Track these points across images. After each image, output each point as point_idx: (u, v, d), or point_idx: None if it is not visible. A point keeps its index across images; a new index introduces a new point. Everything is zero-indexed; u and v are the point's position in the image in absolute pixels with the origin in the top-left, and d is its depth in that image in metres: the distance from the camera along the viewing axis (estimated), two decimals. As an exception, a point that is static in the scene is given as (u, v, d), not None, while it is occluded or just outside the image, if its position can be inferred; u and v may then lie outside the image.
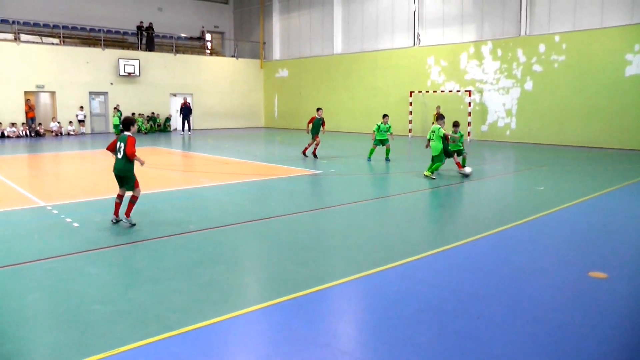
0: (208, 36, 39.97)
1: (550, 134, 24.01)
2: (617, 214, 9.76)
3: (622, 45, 21.70)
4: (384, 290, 5.66)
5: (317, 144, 18.03)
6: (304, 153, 18.45)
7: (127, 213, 8.43)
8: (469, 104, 26.62)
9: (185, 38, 37.87)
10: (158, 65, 33.50)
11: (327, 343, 4.40)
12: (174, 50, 35.06)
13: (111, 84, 31.61)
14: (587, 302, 5.39)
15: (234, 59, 37.77)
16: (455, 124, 14.56)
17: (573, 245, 7.65)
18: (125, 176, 8.48)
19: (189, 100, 33.45)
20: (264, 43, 38.72)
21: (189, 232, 7.98)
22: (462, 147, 14.47)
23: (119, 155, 8.41)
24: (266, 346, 4.44)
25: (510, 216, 9.34)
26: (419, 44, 29.24)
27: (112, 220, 8.59)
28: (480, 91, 26.55)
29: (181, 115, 31.61)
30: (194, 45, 38.48)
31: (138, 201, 8.61)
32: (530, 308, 5.20)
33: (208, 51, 39.31)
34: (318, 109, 18.34)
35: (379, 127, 17.40)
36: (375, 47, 31.66)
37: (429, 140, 13.70)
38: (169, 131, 33.44)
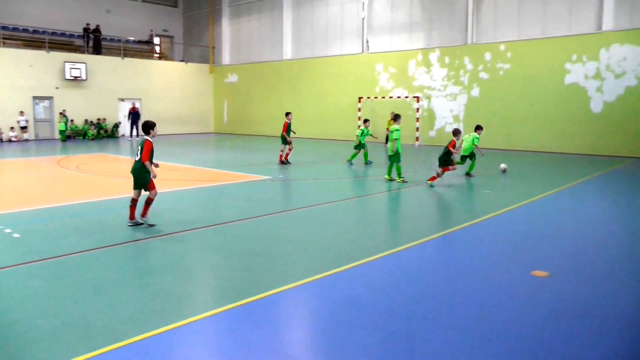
0: (157, 40, 39.27)
1: (497, 139, 24.72)
2: (559, 215, 10.14)
3: (562, 54, 22.67)
4: (331, 295, 5.73)
5: (290, 149, 18.20)
6: (284, 160, 18.01)
7: (143, 214, 8.79)
8: (417, 109, 27.16)
9: (134, 42, 37.08)
10: (106, 69, 32.63)
11: (275, 348, 4.43)
12: (122, 54, 34.23)
13: (57, 88, 30.57)
14: (530, 300, 5.62)
15: (183, 63, 37.30)
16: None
17: (517, 246, 7.92)
18: (139, 177, 8.77)
19: (137, 105, 32.79)
20: (214, 48, 38.42)
21: (137, 241, 7.86)
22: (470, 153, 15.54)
23: (137, 158, 8.76)
24: (214, 354, 4.44)
25: (457, 219, 9.60)
26: (368, 50, 29.63)
27: (128, 225, 8.78)
28: (429, 97, 27.12)
29: (130, 121, 30.98)
30: (143, 49, 37.75)
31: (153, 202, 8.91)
32: (475, 308, 5.37)
33: (157, 55, 38.63)
34: (288, 114, 18.62)
35: (363, 131, 17.87)
36: (325, 53, 31.89)
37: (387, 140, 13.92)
38: (117, 137, 32.68)
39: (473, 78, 25.52)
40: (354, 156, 18.38)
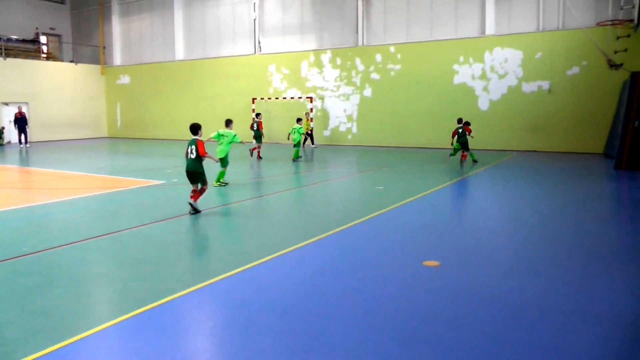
0: (43, 39, 36.68)
1: (390, 137, 25.69)
2: (447, 208, 10.76)
3: (450, 56, 24.02)
4: (226, 298, 5.78)
5: (259, 146, 20.65)
6: (259, 157, 20.48)
7: (196, 198, 9.99)
8: (311, 110, 27.58)
9: (17, 40, 34.36)
10: (-16, 71, 30.36)
11: (172, 357, 4.41)
12: (4, 53, 31.85)
13: None
14: (422, 289, 5.97)
15: (72, 64, 35.46)
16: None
17: (409, 239, 8.34)
18: (197, 173, 10.02)
19: (24, 109, 30.78)
20: (104, 47, 36.87)
21: (22, 256, 7.45)
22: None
23: (192, 156, 9.98)
24: (108, 369, 4.35)
25: (350, 216, 9.89)
26: (260, 51, 29.73)
27: (190, 213, 9.96)
28: (322, 98, 27.68)
29: (16, 127, 28.99)
30: (28, 48, 35.08)
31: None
32: (369, 300, 5.63)
33: (44, 55, 36.08)
34: (258, 114, 21.26)
35: (297, 130, 19.50)
36: (217, 54, 31.64)
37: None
38: (2, 144, 30.33)
39: (365, 79, 26.36)
40: (297, 153, 19.66)
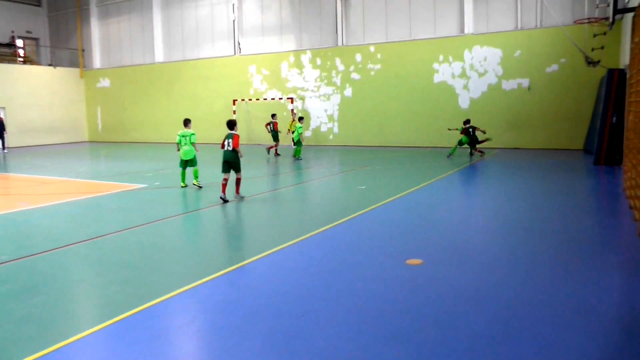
0: (20, 42, 36.01)
1: (371, 136, 25.77)
2: (429, 207, 10.80)
3: (430, 55, 24.16)
4: (209, 301, 5.75)
5: (276, 145, 21.96)
6: (277, 154, 21.85)
7: (238, 190, 11.97)
8: (292, 110, 27.57)
9: (-7, 44, 34.15)
10: (-41, 76, 29.82)
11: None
12: (-21, 58, 31.55)
13: None
14: (405, 287, 5.99)
15: (51, 67, 35.02)
16: (467, 122, 19.45)
17: (392, 238, 8.36)
18: (234, 163, 11.65)
19: (1, 115, 30.36)
20: (83, 50, 36.46)
21: (0, 264, 7.38)
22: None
23: (229, 148, 11.54)
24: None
25: (333, 216, 9.89)
26: (240, 52, 29.66)
27: (220, 197, 11.54)
28: (302, 98, 27.68)
29: None
30: (4, 52, 34.69)
31: None
32: (352, 300, 5.64)
33: (21, 59, 35.54)
34: (274, 115, 22.29)
35: (297, 128, 20.44)
36: (197, 56, 31.51)
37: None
38: None
39: (345, 78, 26.42)
40: (299, 151, 20.50)
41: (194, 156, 13.77)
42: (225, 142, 11.65)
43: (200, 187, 13.70)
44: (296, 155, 20.45)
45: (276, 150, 22.00)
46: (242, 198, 11.92)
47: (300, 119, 21.62)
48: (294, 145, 20.77)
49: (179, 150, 13.73)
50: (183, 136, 13.73)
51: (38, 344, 4.73)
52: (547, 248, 7.60)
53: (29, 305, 5.74)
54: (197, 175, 13.79)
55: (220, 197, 11.53)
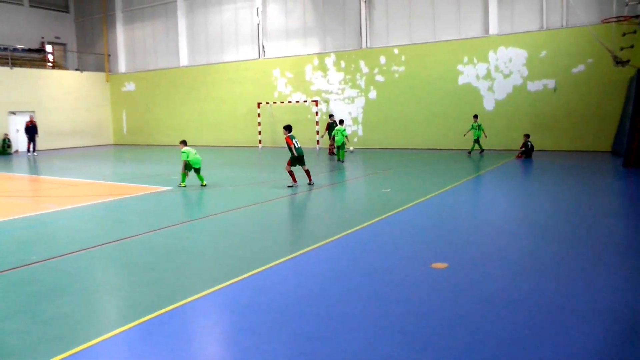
0: (49, 48, 36.67)
1: (395, 139, 25.63)
2: (454, 210, 10.69)
3: (454, 57, 23.97)
4: (234, 303, 5.74)
5: (331, 144, 22.38)
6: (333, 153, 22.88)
7: (310, 180, 14.05)
8: (316, 113, 27.57)
9: (23, 50, 34.55)
10: (-8, 81, 30.29)
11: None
12: (10, 63, 31.95)
13: None
14: (429, 291, 5.92)
15: (78, 72, 35.52)
16: (475, 116, 20.91)
17: (417, 241, 8.28)
18: (303, 156, 13.74)
19: (34, 118, 30.62)
20: (109, 55, 37.00)
21: (30, 265, 7.45)
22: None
23: (299, 146, 13.70)
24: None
25: (358, 219, 9.84)
26: (264, 56, 29.75)
27: (289, 186, 13.81)
28: (327, 101, 27.65)
29: (26, 135, 28.95)
30: (34, 57, 35.19)
31: None
32: (376, 303, 5.58)
33: (50, 64, 36.07)
34: (331, 115, 23.15)
35: (340, 131, 20.45)
36: (221, 60, 31.69)
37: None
38: (10, 153, 30.25)
39: (369, 81, 26.32)
40: (343, 154, 20.33)
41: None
42: (296, 142, 13.60)
43: (185, 185, 14.37)
44: (340, 158, 20.30)
45: (332, 149, 22.80)
46: (312, 184, 13.99)
47: (341, 121, 21.75)
48: (339, 148, 20.40)
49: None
50: (186, 152, 14.44)
51: (66, 344, 4.78)
52: (576, 252, 7.45)
53: (57, 305, 5.81)
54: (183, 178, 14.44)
55: (289, 186, 13.77)
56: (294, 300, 5.77)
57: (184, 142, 14.72)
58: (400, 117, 25.58)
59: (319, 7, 27.77)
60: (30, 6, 35.93)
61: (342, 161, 20.17)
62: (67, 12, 38.50)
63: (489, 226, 9.48)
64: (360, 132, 26.91)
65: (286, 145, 13.81)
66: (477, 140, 21.26)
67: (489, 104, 23.47)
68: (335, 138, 20.60)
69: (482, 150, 21.79)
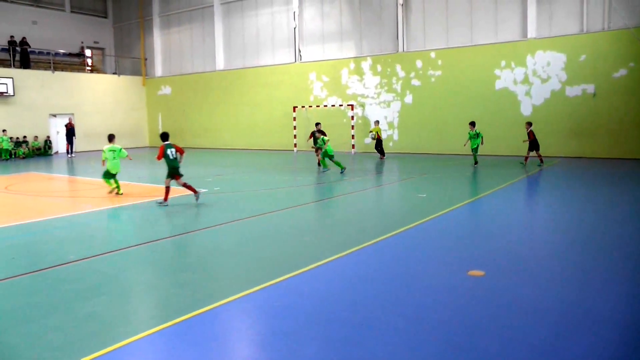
0: (88, 52, 37.57)
1: (431, 143, 25.36)
2: (491, 216, 10.48)
3: (491, 61, 23.59)
4: (269, 306, 5.71)
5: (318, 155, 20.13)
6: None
7: (195, 192, 12.56)
8: (352, 117, 27.50)
9: (64, 54, 35.57)
10: (34, 84, 31.08)
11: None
12: (52, 67, 32.81)
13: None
14: (466, 300, 5.78)
15: (115, 76, 36.25)
16: (472, 123, 19.52)
17: (453, 248, 8.13)
18: (178, 168, 12.50)
19: (72, 121, 31.36)
20: (146, 59, 37.62)
21: (68, 263, 7.56)
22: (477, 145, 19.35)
23: (173, 157, 12.47)
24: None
25: (393, 224, 9.73)
26: (300, 60, 29.81)
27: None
28: (362, 105, 27.53)
29: (65, 137, 29.68)
30: (74, 61, 36.24)
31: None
32: (411, 309, 5.49)
33: (89, 68, 36.98)
34: (317, 124, 20.19)
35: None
36: (257, 63, 31.85)
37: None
38: (50, 155, 31.11)
39: (405, 85, 26.09)
40: (325, 163, 19.38)
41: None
42: (170, 152, 12.56)
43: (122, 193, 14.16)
44: (325, 167, 18.99)
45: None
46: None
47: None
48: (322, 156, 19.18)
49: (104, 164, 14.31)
50: (113, 150, 14.42)
51: (101, 342, 4.83)
52: (615, 262, 7.20)
53: (93, 304, 5.87)
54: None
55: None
56: (329, 304, 5.71)
57: (110, 137, 14.96)
58: (436, 122, 25.30)
59: (356, 11, 27.71)
60: (71, 12, 36.88)
61: (325, 170, 18.73)
62: (105, 17, 39.36)
63: (526, 233, 9.27)
64: (395, 137, 26.70)
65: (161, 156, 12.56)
66: (475, 150, 19.49)
67: (526, 109, 23.03)
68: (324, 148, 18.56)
69: (476, 163, 19.61)
